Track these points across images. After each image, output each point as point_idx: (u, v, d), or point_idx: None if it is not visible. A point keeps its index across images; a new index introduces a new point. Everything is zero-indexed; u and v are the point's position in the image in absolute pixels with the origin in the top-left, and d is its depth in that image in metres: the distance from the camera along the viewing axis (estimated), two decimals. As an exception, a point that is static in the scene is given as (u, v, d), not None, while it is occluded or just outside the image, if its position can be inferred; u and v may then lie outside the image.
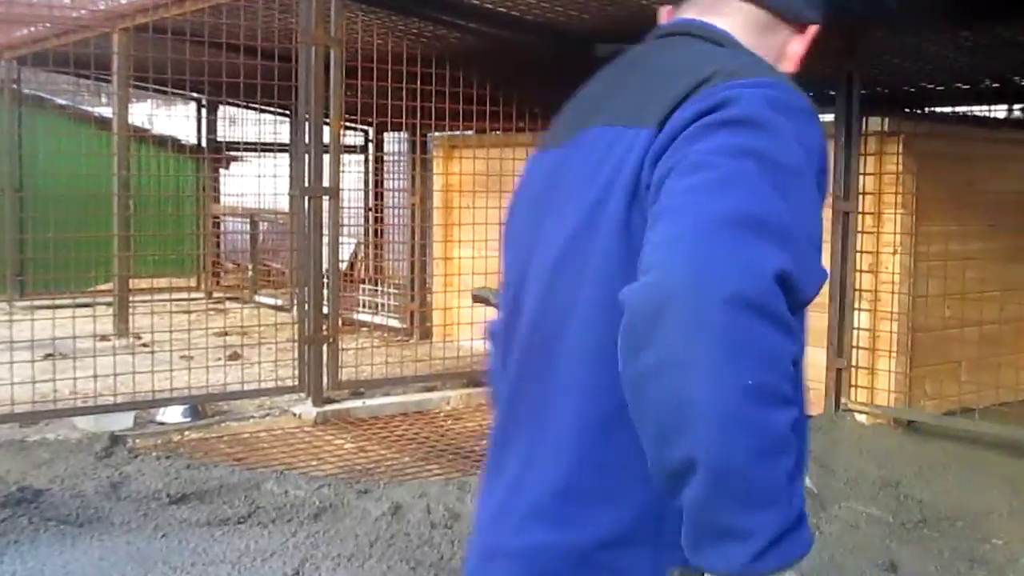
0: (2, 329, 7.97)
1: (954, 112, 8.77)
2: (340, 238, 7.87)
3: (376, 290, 11.44)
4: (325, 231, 7.57)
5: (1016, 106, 9.17)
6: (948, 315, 7.40)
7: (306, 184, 7.52)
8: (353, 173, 13.17)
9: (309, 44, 7.38)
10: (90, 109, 13.53)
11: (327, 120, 7.55)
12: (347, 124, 12.85)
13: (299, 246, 7.79)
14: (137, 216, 11.14)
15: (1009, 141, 7.92)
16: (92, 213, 10.72)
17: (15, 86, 11.84)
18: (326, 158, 7.52)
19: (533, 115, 9.37)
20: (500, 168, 8.85)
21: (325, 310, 7.67)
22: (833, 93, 7.37)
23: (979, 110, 9.18)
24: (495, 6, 8.01)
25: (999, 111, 9.30)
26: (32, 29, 10.49)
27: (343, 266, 12.59)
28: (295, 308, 8.23)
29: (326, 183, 7.52)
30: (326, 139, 7.57)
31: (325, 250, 7.64)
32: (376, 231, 12.58)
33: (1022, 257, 7.91)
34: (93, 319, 7.74)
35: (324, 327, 7.64)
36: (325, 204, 7.54)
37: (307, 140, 7.44)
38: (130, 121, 10.70)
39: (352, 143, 13.48)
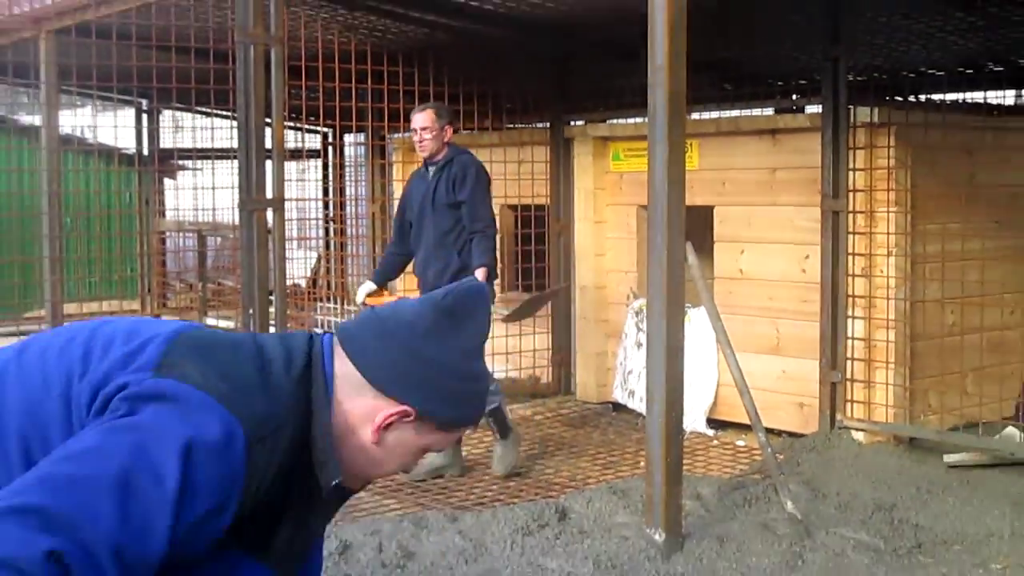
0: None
1: (955, 100, 8.85)
2: (300, 251, 7.95)
3: (338, 308, 11.51)
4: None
5: (1024, 91, 9.26)
6: (950, 321, 7.48)
7: (246, 195, 7.59)
8: (312, 181, 13.29)
9: (247, 43, 7.45)
10: (28, 119, 13.62)
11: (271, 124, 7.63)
12: (306, 127, 12.96)
13: (244, 263, 7.86)
14: (75, 234, 11.25)
15: (1014, 130, 8.00)
16: (27, 233, 10.84)
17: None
18: (269, 166, 7.59)
19: (499, 112, 9.49)
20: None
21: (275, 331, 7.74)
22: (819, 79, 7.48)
23: (992, 96, 9.25)
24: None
25: (1008, 97, 9.38)
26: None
27: (303, 283, 12.70)
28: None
29: (269, 194, 7.59)
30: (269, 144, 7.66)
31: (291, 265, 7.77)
32: (339, 243, 12.65)
33: (1029, 256, 8.02)
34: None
35: (272, 351, 7.69)
36: (269, 217, 7.61)
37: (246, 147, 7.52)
38: (70, 132, 10.80)
39: (314, 148, 13.61)
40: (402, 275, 7.82)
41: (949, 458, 6.82)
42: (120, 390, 2.21)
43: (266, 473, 2.29)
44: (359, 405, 2.36)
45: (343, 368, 2.37)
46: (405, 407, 2.35)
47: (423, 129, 6.93)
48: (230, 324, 11.70)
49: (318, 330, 11.19)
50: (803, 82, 9.21)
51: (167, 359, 2.26)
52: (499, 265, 9.52)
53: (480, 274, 6.72)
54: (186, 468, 2.12)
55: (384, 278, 7.37)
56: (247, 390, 2.26)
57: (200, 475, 2.14)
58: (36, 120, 11.49)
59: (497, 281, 7.82)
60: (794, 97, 8.87)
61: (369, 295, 7.15)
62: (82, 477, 2.05)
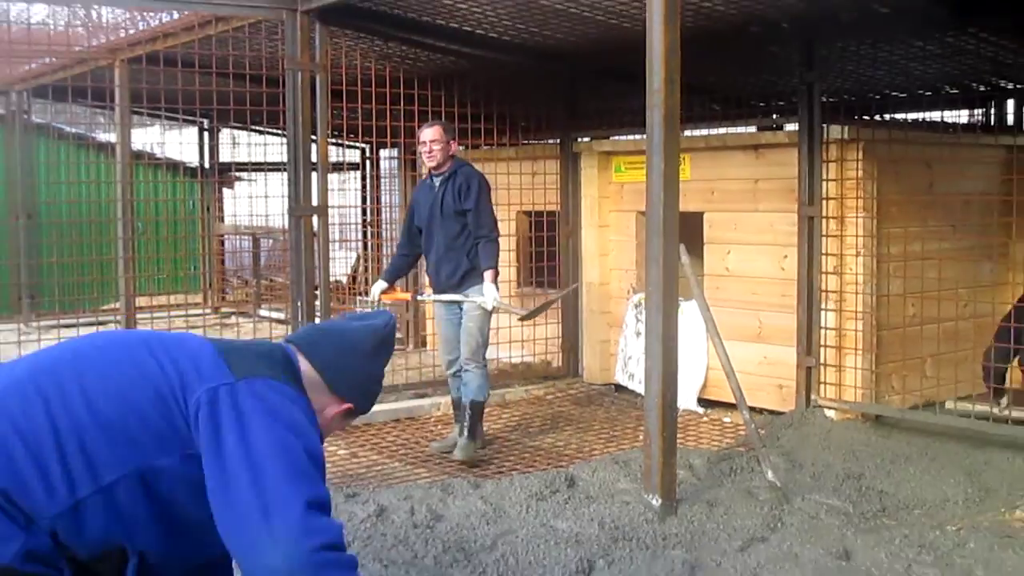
0: (13, 350, 8.06)
1: (916, 118, 8.81)
2: (341, 252, 7.94)
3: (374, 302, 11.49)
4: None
5: (977, 111, 9.19)
6: (912, 313, 7.44)
7: (294, 203, 7.61)
8: (351, 191, 13.29)
9: (295, 70, 7.48)
10: (105, 137, 13.66)
11: (315, 140, 7.65)
12: (346, 143, 12.95)
13: (292, 262, 7.88)
14: (146, 237, 11.29)
15: (968, 145, 7.97)
16: (104, 236, 10.89)
17: (26, 116, 11.96)
18: (315, 177, 7.62)
19: (515, 130, 9.49)
20: (484, 183, 8.93)
21: (319, 322, 7.75)
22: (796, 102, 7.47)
23: (950, 115, 9.22)
24: (473, 28, 8.10)
25: (963, 116, 9.34)
26: (36, 64, 10.58)
27: (344, 279, 12.71)
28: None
29: (315, 201, 7.61)
30: (315, 159, 7.67)
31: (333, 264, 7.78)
32: (375, 245, 12.65)
33: (981, 256, 7.98)
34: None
35: (317, 339, 7.70)
36: (315, 222, 7.64)
37: (294, 161, 7.54)
38: (141, 147, 10.79)
39: (354, 161, 13.62)
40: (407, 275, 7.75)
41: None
42: (217, 389, 2.57)
43: None
44: (317, 399, 2.80)
45: (307, 370, 2.82)
46: (350, 405, 2.88)
47: (433, 141, 6.70)
48: (281, 315, 11.73)
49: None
50: (782, 103, 9.21)
51: (233, 361, 2.66)
52: (516, 264, 9.60)
53: (489, 276, 6.63)
54: (317, 430, 2.69)
55: (394, 277, 7.20)
56: (286, 377, 2.73)
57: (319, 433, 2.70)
58: (111, 137, 11.54)
59: (503, 278, 7.74)
60: (774, 116, 8.84)
61: (383, 292, 7.07)
62: (301, 471, 2.51)
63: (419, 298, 7.07)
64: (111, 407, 2.54)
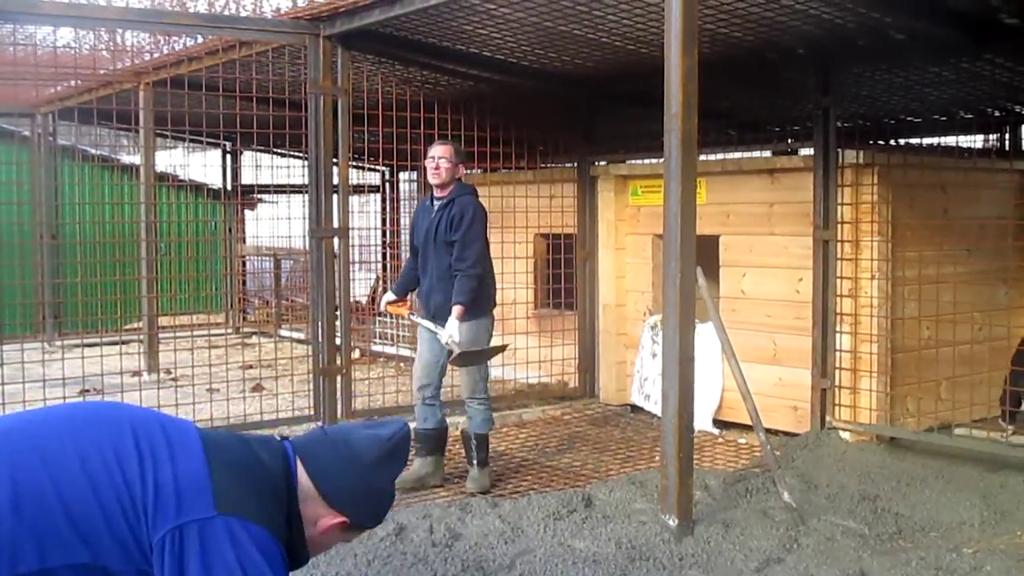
0: (38, 367, 8.11)
1: (931, 143, 8.80)
2: (362, 273, 7.93)
3: (393, 321, 11.53)
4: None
5: (992, 136, 9.17)
6: (926, 336, 7.42)
7: (315, 225, 7.64)
8: (372, 212, 13.33)
9: (317, 94, 7.52)
10: (129, 159, 13.73)
11: (337, 163, 7.68)
12: (367, 166, 13.00)
13: (314, 283, 7.91)
14: (168, 257, 11.36)
15: (983, 170, 7.95)
16: (127, 256, 10.95)
17: (51, 138, 12.05)
18: (336, 199, 7.65)
19: (533, 153, 9.51)
20: (502, 205, 8.96)
21: (340, 342, 7.77)
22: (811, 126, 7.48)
23: (965, 140, 9.20)
24: (493, 54, 8.14)
25: (977, 141, 9.32)
26: (61, 86, 10.66)
27: (364, 300, 12.74)
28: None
29: (336, 223, 7.64)
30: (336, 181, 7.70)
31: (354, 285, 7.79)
32: (394, 266, 12.69)
33: (996, 280, 7.95)
34: (120, 356, 7.84)
35: (337, 359, 7.74)
36: (336, 243, 7.66)
37: (316, 183, 7.57)
38: (165, 169, 10.85)
39: (374, 183, 13.67)
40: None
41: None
42: (186, 527, 2.47)
43: None
44: (311, 510, 2.75)
45: (303, 479, 2.75)
46: (344, 518, 2.77)
47: (441, 158, 6.46)
48: (301, 335, 11.76)
49: (378, 340, 11.21)
50: (797, 128, 9.21)
51: (218, 487, 2.54)
52: (533, 286, 9.60)
53: (456, 311, 6.33)
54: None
55: (404, 290, 6.94)
56: (271, 511, 2.64)
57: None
58: (136, 159, 11.61)
59: (520, 300, 7.65)
60: (789, 141, 8.85)
61: (390, 303, 6.93)
62: None
63: (411, 317, 6.89)
64: (79, 493, 2.43)
